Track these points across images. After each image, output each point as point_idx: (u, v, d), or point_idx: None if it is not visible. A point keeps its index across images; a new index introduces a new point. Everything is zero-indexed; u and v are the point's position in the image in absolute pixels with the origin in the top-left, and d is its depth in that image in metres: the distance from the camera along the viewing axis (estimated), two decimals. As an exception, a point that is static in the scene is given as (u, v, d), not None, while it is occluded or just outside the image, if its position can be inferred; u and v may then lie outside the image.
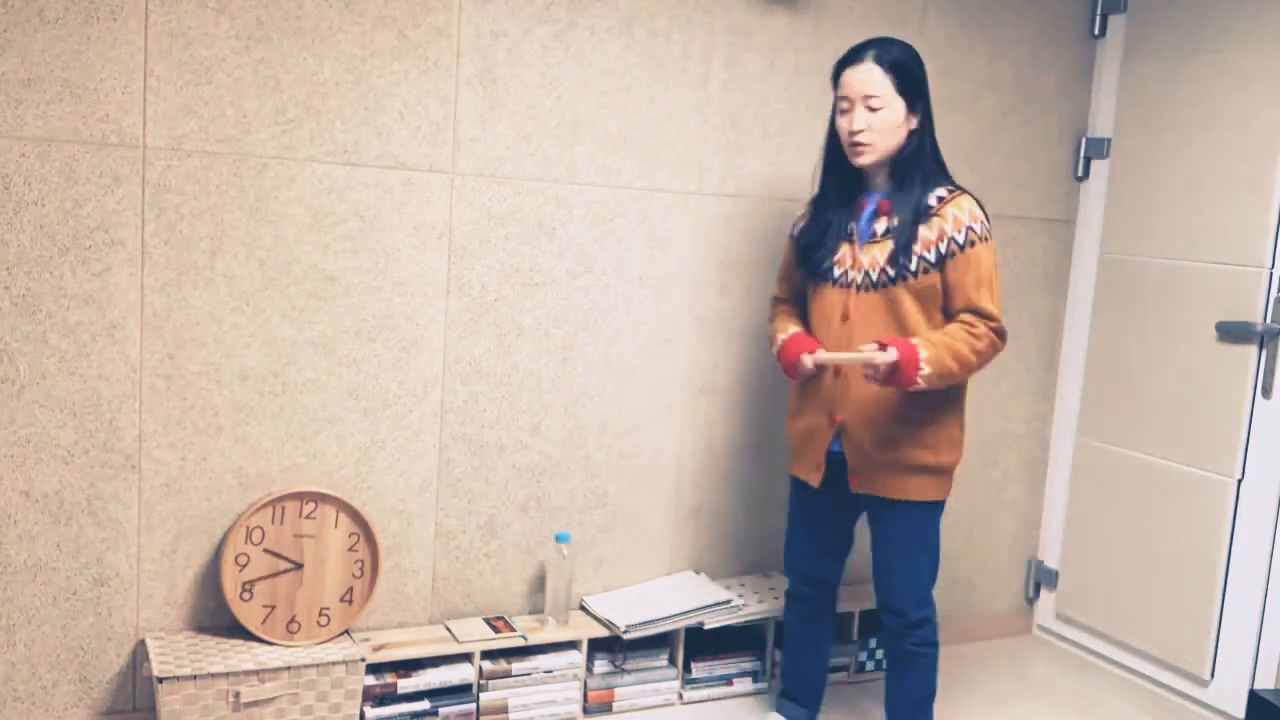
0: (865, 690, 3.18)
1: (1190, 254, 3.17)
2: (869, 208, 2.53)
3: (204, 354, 2.56)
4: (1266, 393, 3.00)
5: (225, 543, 2.58)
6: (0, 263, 2.37)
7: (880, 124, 2.45)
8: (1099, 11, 3.47)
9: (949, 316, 2.49)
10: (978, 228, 2.45)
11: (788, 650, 2.87)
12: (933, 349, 2.39)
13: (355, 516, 2.68)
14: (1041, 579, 3.67)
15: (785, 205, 3.13)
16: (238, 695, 2.46)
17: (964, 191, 2.50)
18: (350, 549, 2.69)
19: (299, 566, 2.64)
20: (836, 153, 2.57)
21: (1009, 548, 3.65)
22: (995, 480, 3.58)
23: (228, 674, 2.45)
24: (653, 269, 3.01)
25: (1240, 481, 3.05)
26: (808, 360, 2.48)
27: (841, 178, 2.57)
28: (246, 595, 2.59)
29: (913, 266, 2.45)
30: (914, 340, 2.41)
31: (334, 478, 2.73)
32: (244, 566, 2.59)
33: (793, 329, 2.61)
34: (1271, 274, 2.98)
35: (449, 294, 2.79)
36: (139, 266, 2.48)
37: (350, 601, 2.69)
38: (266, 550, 2.61)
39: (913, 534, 2.57)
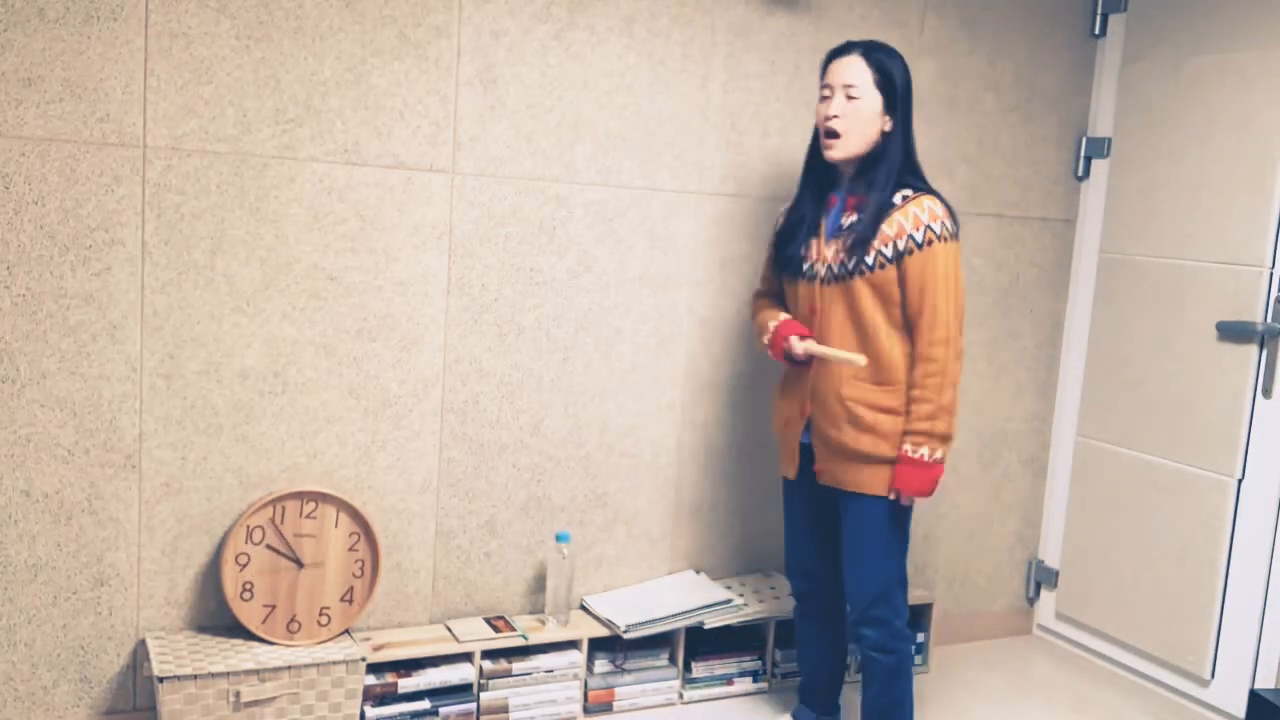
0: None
1: (1190, 254, 3.18)
2: (838, 204, 2.55)
3: (204, 354, 2.56)
4: (1266, 393, 3.00)
5: (226, 542, 2.58)
6: (0, 262, 2.37)
7: (854, 113, 2.46)
8: (1099, 11, 3.47)
9: (906, 318, 2.47)
10: (936, 227, 2.42)
11: (797, 651, 2.89)
12: (916, 436, 2.45)
13: (355, 516, 2.68)
14: (1041, 579, 3.67)
15: (786, 205, 3.13)
16: (238, 695, 2.46)
17: (931, 193, 2.48)
18: (351, 549, 2.69)
19: (299, 566, 2.64)
20: (817, 150, 2.60)
21: (1009, 548, 3.65)
22: (995, 480, 3.58)
23: (228, 674, 2.45)
24: (653, 268, 3.01)
25: (1240, 481, 3.05)
26: (798, 344, 2.52)
27: (819, 175, 2.60)
28: (247, 595, 2.59)
29: (870, 260, 2.44)
30: (902, 447, 2.47)
31: (334, 477, 2.73)
32: (244, 566, 2.59)
33: (782, 315, 2.62)
34: (1271, 274, 2.98)
35: (449, 293, 2.79)
36: (139, 266, 2.48)
37: (351, 601, 2.69)
38: (267, 549, 2.61)
39: (868, 528, 2.52)
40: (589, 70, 2.85)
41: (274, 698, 2.50)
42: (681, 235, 3.03)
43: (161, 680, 2.40)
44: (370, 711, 2.65)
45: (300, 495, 2.63)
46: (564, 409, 2.96)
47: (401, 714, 2.68)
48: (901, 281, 2.45)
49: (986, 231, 3.43)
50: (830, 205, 2.57)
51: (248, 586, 2.59)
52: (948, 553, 3.55)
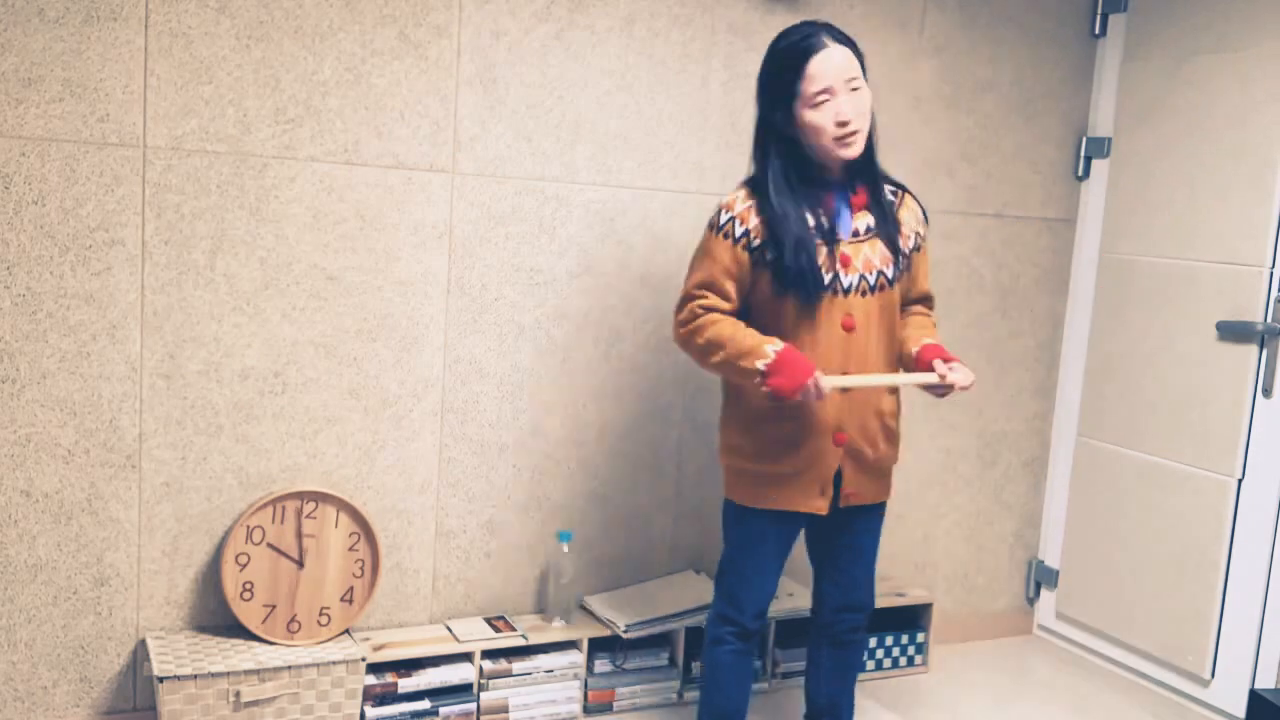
0: (863, 690, 3.18)
1: (1190, 254, 3.18)
2: (836, 203, 2.32)
3: (204, 354, 2.57)
4: (1267, 392, 3.00)
5: (226, 542, 2.58)
6: (0, 262, 2.37)
7: (865, 107, 2.24)
8: (1099, 11, 3.47)
9: (903, 304, 2.50)
10: (927, 217, 2.50)
11: (734, 696, 2.53)
12: (939, 347, 2.42)
13: (356, 516, 2.68)
14: (1041, 579, 3.68)
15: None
16: (238, 695, 2.46)
17: (904, 186, 2.48)
18: (351, 548, 2.69)
19: (300, 566, 2.64)
20: (787, 147, 2.30)
21: (1009, 548, 3.65)
22: (995, 480, 3.58)
23: (228, 674, 2.45)
24: (653, 268, 3.01)
25: (1240, 481, 3.05)
26: (826, 383, 2.19)
27: (796, 172, 2.30)
28: (247, 595, 2.59)
29: (903, 266, 2.40)
30: (930, 345, 2.41)
31: (334, 477, 2.73)
32: (244, 566, 2.59)
33: (779, 342, 2.24)
34: (1271, 274, 2.98)
35: (449, 293, 2.79)
36: (139, 266, 2.48)
37: (351, 601, 2.69)
38: (267, 549, 2.61)
39: (875, 533, 2.54)
40: (589, 70, 2.85)
41: (274, 698, 2.50)
42: (681, 235, 3.03)
43: (161, 680, 2.40)
44: (370, 711, 2.65)
45: (300, 495, 2.63)
46: (564, 409, 2.96)
47: (401, 714, 2.68)
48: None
49: (986, 231, 3.43)
50: (826, 204, 2.31)
51: (248, 586, 2.59)
52: (948, 553, 3.55)
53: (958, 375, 2.29)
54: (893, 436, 2.45)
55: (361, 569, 2.70)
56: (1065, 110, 3.49)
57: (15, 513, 2.45)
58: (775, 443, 2.34)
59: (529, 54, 2.78)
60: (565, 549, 2.90)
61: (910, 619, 3.36)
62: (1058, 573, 3.60)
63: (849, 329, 2.30)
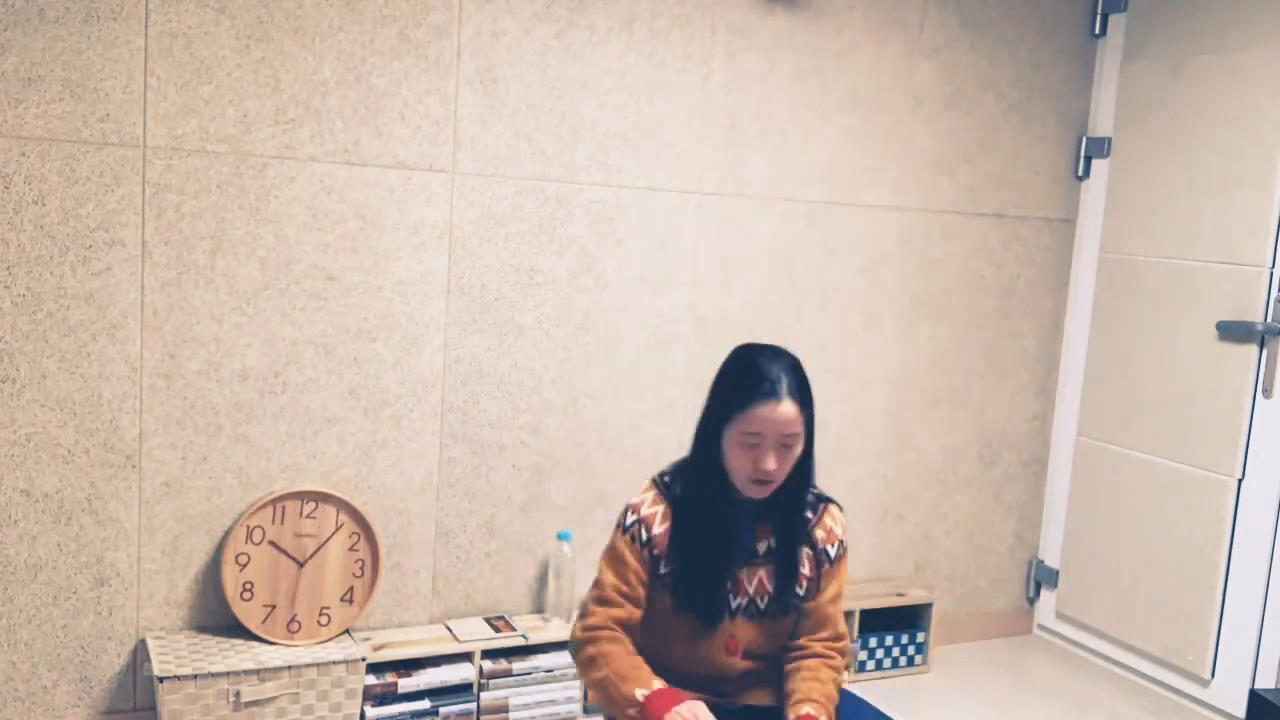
0: (863, 690, 3.18)
1: (1190, 253, 3.18)
2: (743, 520, 2.12)
3: (204, 354, 2.57)
4: (1267, 392, 3.00)
5: (226, 542, 2.58)
6: (0, 262, 2.37)
7: (793, 458, 2.04)
8: (1099, 11, 3.47)
9: (799, 627, 2.16)
10: (844, 537, 2.16)
11: None
12: (823, 710, 2.04)
13: (356, 516, 2.68)
14: (1041, 579, 3.68)
15: (785, 205, 3.13)
16: (238, 695, 2.46)
17: (827, 498, 2.18)
18: (351, 548, 2.69)
19: (300, 566, 2.64)
20: (712, 458, 2.07)
21: (1009, 548, 3.65)
22: (995, 480, 3.58)
23: (228, 673, 2.45)
24: (653, 268, 3.01)
25: (1240, 481, 3.05)
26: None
27: (712, 482, 2.09)
28: (247, 595, 2.59)
29: (801, 593, 2.13)
30: (809, 711, 2.02)
31: (334, 477, 2.73)
32: (244, 566, 2.59)
33: (655, 682, 1.97)
34: (1271, 274, 2.98)
35: (449, 293, 2.79)
36: (139, 266, 2.48)
37: (351, 601, 2.69)
38: (268, 549, 2.61)
39: None
40: (589, 70, 2.85)
41: (274, 698, 2.50)
42: (681, 235, 3.03)
43: (161, 680, 2.40)
44: (370, 711, 2.65)
45: (300, 495, 2.63)
46: (564, 409, 2.96)
47: (401, 714, 2.68)
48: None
49: (986, 231, 3.43)
50: (731, 521, 2.10)
51: (248, 586, 2.59)
52: (948, 553, 3.55)
53: None
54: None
55: (361, 569, 2.70)
56: (1065, 110, 3.49)
57: (15, 513, 2.45)
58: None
59: (529, 54, 2.78)
60: (565, 549, 2.90)
61: (910, 619, 3.36)
62: (1058, 573, 3.60)
63: (732, 651, 2.12)
